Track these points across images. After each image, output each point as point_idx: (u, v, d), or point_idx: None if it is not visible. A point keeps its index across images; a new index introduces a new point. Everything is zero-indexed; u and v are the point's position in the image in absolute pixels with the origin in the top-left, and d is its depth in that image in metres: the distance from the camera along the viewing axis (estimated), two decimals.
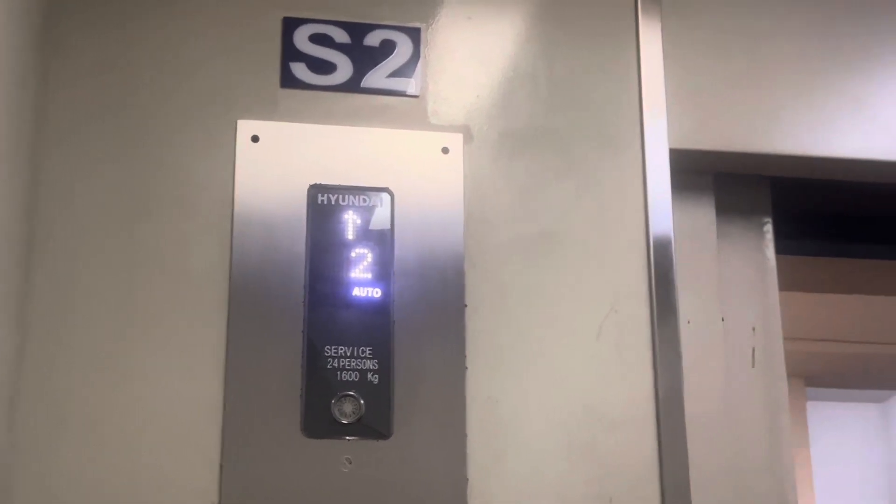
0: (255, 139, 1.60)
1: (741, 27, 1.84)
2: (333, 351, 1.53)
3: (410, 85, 1.68)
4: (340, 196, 1.59)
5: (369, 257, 1.58)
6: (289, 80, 1.65)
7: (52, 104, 1.57)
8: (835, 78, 1.85)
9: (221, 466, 1.47)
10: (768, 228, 1.92)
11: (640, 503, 1.56)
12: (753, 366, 1.85)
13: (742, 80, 1.81)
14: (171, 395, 1.49)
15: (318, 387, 1.51)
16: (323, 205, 1.59)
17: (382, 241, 1.58)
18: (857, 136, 1.82)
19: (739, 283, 1.88)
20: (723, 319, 1.84)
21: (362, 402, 1.51)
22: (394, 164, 1.62)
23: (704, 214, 1.88)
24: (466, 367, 1.56)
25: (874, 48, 1.87)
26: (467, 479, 1.52)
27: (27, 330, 1.48)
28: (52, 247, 1.52)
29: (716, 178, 1.88)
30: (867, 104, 1.84)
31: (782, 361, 1.87)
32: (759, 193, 1.92)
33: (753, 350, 1.86)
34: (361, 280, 1.57)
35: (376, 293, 1.56)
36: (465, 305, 1.59)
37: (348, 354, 1.53)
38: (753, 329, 1.87)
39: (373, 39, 1.69)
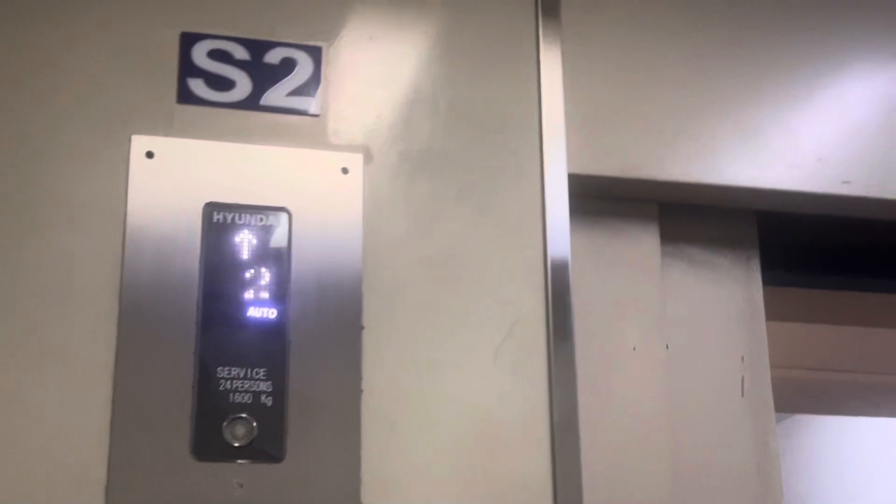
0: (149, 155, 1.57)
1: (640, 54, 1.88)
2: (226, 372, 1.50)
3: (311, 104, 1.67)
4: (237, 215, 1.57)
5: (265, 277, 1.55)
6: (186, 96, 1.62)
7: None
8: (727, 107, 1.89)
9: (107, 489, 1.43)
10: (755, 262, 1.99)
11: None
12: (743, 395, 1.91)
13: (638, 108, 1.85)
14: (56, 417, 1.45)
15: (210, 408, 1.49)
16: (218, 223, 1.56)
17: (279, 260, 1.57)
18: (748, 165, 1.87)
19: (726, 314, 1.95)
20: (667, 346, 1.88)
21: (255, 424, 1.49)
22: (292, 184, 1.61)
23: (649, 243, 1.92)
24: (362, 390, 1.55)
25: (766, 79, 1.92)
26: (361, 503, 1.50)
27: None
28: None
29: (662, 208, 1.93)
30: (758, 134, 1.89)
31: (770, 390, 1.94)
32: (742, 226, 2.00)
33: (743, 379, 1.92)
34: (257, 300, 1.54)
35: (272, 313, 1.54)
36: (363, 327, 1.58)
37: (242, 376, 1.51)
38: (742, 358, 1.93)
39: (273, 57, 1.67)
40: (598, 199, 1.88)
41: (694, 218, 1.96)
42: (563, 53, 1.80)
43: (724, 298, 1.95)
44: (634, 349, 1.84)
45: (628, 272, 1.88)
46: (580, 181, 1.76)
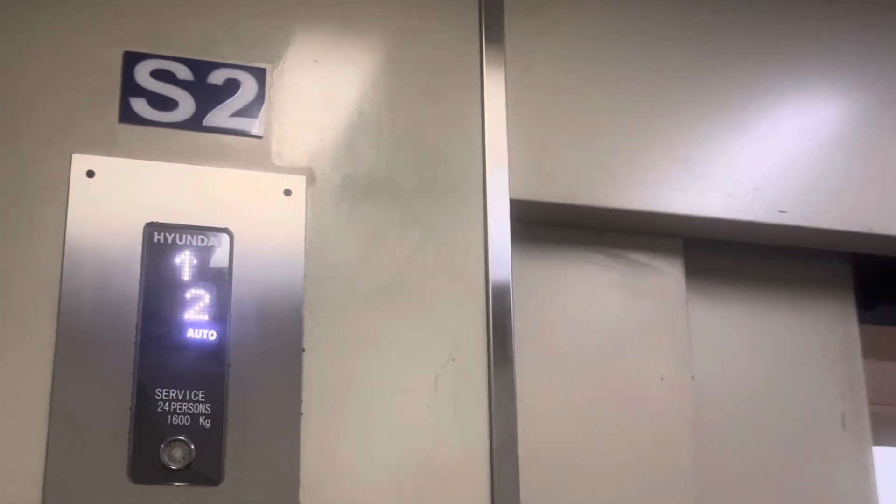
0: (90, 174, 1.56)
1: (582, 84, 1.91)
2: (165, 394, 1.49)
3: (254, 125, 1.67)
4: (178, 235, 1.56)
5: (206, 298, 1.54)
6: (128, 116, 1.61)
7: None
8: (666, 136, 1.92)
9: None
10: (851, 301, 2.12)
11: None
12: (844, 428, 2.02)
13: (581, 135, 1.87)
14: None
15: (148, 430, 1.47)
16: (159, 244, 1.55)
17: (220, 282, 1.56)
18: (689, 194, 1.90)
19: (825, 350, 2.07)
20: (692, 377, 1.92)
21: (193, 447, 1.48)
22: (234, 205, 1.60)
23: (675, 277, 1.97)
24: (302, 413, 1.54)
25: (705, 110, 1.96)
26: None
27: None
28: None
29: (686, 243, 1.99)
30: (696, 163, 1.92)
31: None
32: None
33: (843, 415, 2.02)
34: (196, 321, 1.53)
35: (212, 335, 1.53)
36: (303, 350, 1.57)
37: (180, 398, 1.49)
38: (842, 394, 2.05)
39: (217, 78, 1.67)
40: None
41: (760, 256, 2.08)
42: (506, 81, 1.82)
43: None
44: (662, 379, 1.91)
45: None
46: (522, 206, 1.77)
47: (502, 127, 1.79)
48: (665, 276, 1.97)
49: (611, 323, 1.93)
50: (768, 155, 1.97)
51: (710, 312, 2.05)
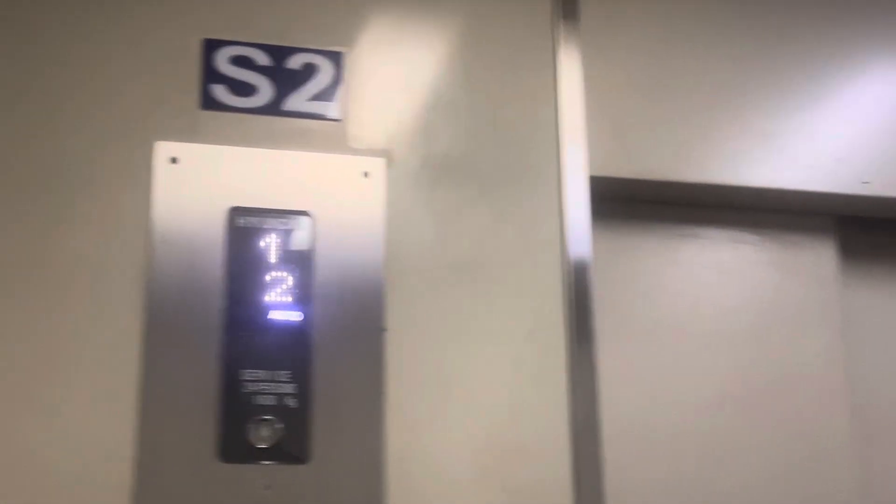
0: (173, 161, 1.58)
1: (658, 58, 1.89)
2: (251, 375, 1.51)
3: (332, 108, 1.68)
4: (260, 219, 1.58)
5: (289, 281, 1.56)
6: (209, 102, 1.64)
7: None
8: (746, 110, 1.90)
9: (134, 493, 1.44)
10: None
11: None
12: None
13: (658, 111, 1.86)
14: (83, 421, 1.46)
15: (235, 411, 1.50)
16: (242, 228, 1.57)
17: (302, 264, 1.58)
18: (766, 167, 1.88)
19: None
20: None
21: (280, 426, 1.50)
22: (315, 188, 1.62)
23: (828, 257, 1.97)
24: (385, 392, 1.56)
25: (784, 82, 1.93)
26: None
27: None
28: None
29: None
30: (775, 137, 1.90)
31: None
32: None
33: None
34: (280, 304, 1.55)
35: (295, 317, 1.55)
36: (385, 330, 1.59)
37: (266, 378, 1.52)
38: None
39: (294, 62, 1.68)
40: (623, 201, 1.90)
41: None
42: (582, 58, 1.81)
43: None
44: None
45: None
46: (601, 183, 1.76)
47: (578, 104, 1.78)
48: (754, 250, 1.95)
49: (696, 298, 1.92)
50: (849, 125, 1.94)
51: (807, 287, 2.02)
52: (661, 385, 1.86)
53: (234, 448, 1.49)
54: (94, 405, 1.47)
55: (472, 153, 1.73)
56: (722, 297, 1.93)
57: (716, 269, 1.94)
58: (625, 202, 1.89)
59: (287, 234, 1.59)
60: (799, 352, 1.94)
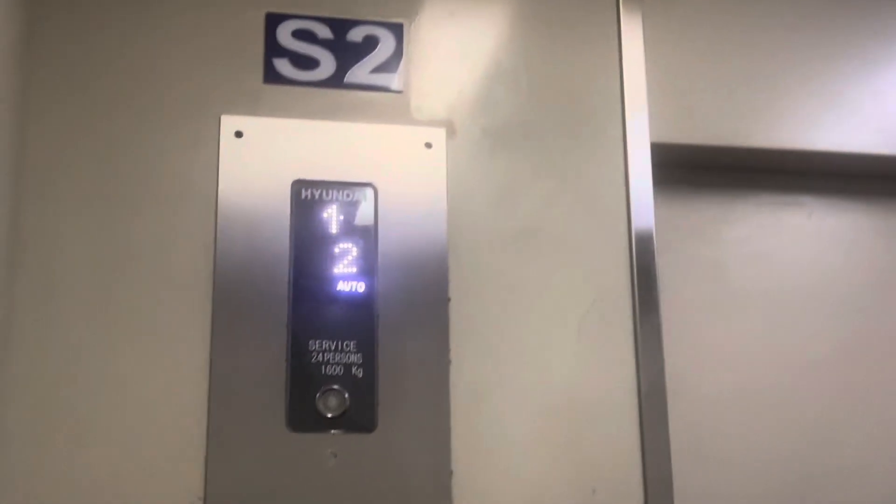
0: (238, 135, 1.60)
1: (723, 23, 1.86)
2: (318, 345, 1.53)
3: (394, 80, 1.69)
4: (324, 191, 1.60)
5: (353, 252, 1.58)
6: (272, 76, 1.65)
7: (35, 108, 1.57)
8: (815, 74, 1.87)
9: (207, 462, 1.47)
10: None
11: (623, 495, 1.58)
12: None
13: (723, 76, 1.83)
14: (156, 393, 1.49)
15: (303, 381, 1.52)
16: (306, 200, 1.59)
17: (366, 235, 1.59)
18: (837, 131, 1.84)
19: None
20: None
21: (347, 395, 1.52)
22: (377, 159, 1.63)
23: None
24: (450, 361, 1.57)
25: (853, 46, 1.90)
26: (452, 472, 1.52)
27: (11, 331, 1.48)
28: (36, 248, 1.52)
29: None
30: (846, 100, 1.86)
31: None
32: None
33: None
34: (345, 275, 1.57)
35: (360, 287, 1.57)
36: (449, 299, 1.59)
37: (333, 348, 1.53)
38: None
39: (356, 35, 1.69)
40: (686, 168, 1.88)
41: None
42: (644, 23, 1.79)
43: None
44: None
45: None
46: (663, 150, 1.75)
47: (641, 70, 1.77)
48: (821, 215, 1.93)
49: (761, 264, 1.90)
50: None
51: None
52: (726, 352, 1.85)
53: (303, 417, 1.51)
54: (166, 378, 1.50)
55: (534, 122, 1.72)
56: (786, 263, 1.91)
57: (779, 235, 1.92)
58: (688, 169, 1.88)
59: (351, 205, 1.60)
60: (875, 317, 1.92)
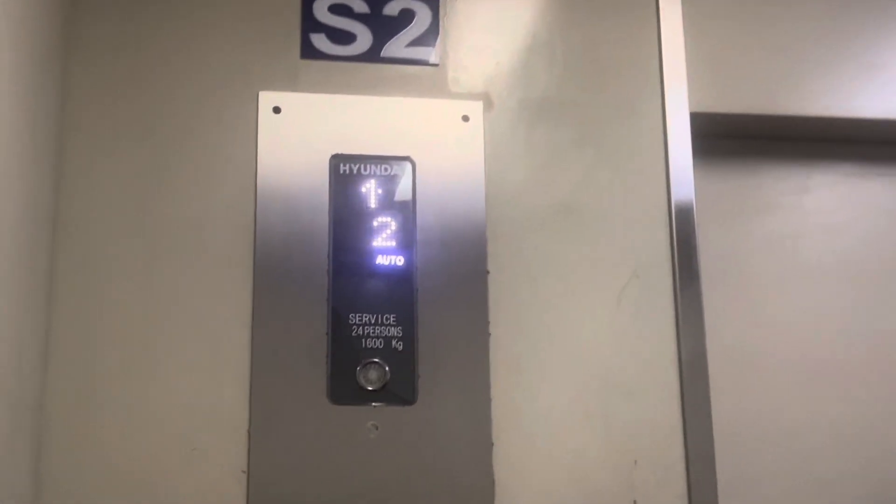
0: (276, 110, 1.61)
1: None
2: (358, 319, 1.54)
3: (430, 54, 1.68)
4: (362, 165, 1.60)
5: (392, 226, 1.58)
6: (309, 51, 1.65)
7: (74, 85, 1.58)
8: (852, 43, 1.84)
9: (249, 435, 1.49)
10: None
11: (665, 467, 1.58)
12: None
13: (762, 44, 1.81)
14: (198, 369, 1.51)
15: (344, 354, 1.53)
16: (345, 174, 1.59)
17: (405, 209, 1.59)
18: (873, 99, 1.82)
19: None
20: None
21: (387, 368, 1.53)
22: (415, 133, 1.63)
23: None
24: (490, 334, 1.57)
25: (889, 14, 1.86)
26: (492, 443, 1.53)
27: (54, 310, 1.50)
28: (76, 227, 1.54)
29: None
30: (882, 68, 1.84)
31: None
32: None
33: None
34: (385, 248, 1.58)
35: (399, 261, 1.57)
36: (488, 272, 1.60)
37: (373, 322, 1.54)
38: None
39: (391, 9, 1.69)
40: (726, 138, 1.86)
41: None
42: None
43: None
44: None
45: None
46: (702, 119, 1.73)
47: (679, 39, 1.75)
48: (865, 185, 1.91)
49: (803, 232, 1.88)
50: None
51: None
52: (767, 323, 1.84)
53: (344, 390, 1.52)
54: (209, 353, 1.52)
55: (572, 93, 1.71)
56: (830, 234, 1.89)
57: (819, 202, 1.90)
58: (728, 138, 1.86)
59: (389, 179, 1.60)
60: None
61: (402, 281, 1.57)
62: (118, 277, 1.52)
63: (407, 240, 1.58)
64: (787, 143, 1.89)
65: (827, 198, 1.91)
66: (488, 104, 1.68)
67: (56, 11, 1.52)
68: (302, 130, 1.61)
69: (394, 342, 1.54)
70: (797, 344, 1.83)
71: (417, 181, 1.61)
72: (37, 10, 1.41)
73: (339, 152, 1.60)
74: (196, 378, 1.50)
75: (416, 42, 1.68)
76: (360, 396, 1.52)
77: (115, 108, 1.59)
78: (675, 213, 1.67)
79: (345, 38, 1.67)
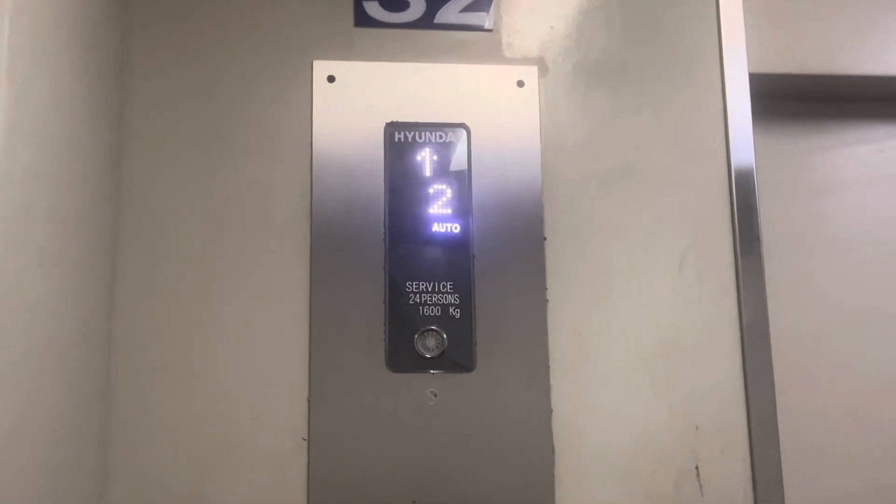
0: (331, 79, 1.61)
1: None
2: (415, 287, 1.54)
3: (484, 19, 1.67)
4: (417, 133, 1.60)
5: (448, 193, 1.58)
6: (362, 19, 1.65)
7: (131, 55, 1.60)
8: None
9: (310, 403, 1.50)
10: None
11: (726, 431, 1.56)
12: None
13: (820, 3, 1.78)
14: (259, 337, 1.52)
15: (402, 322, 1.53)
16: (400, 142, 1.59)
17: (460, 176, 1.59)
18: None
19: None
20: None
21: (445, 336, 1.53)
22: (469, 99, 1.62)
23: None
24: (547, 300, 1.56)
25: None
26: (552, 410, 1.53)
27: (116, 281, 1.52)
28: (138, 199, 1.55)
29: None
30: None
31: None
32: None
33: None
34: (440, 216, 1.57)
35: (455, 228, 1.57)
36: (545, 238, 1.59)
37: (430, 290, 1.54)
38: None
39: None
40: (786, 98, 1.82)
41: None
42: None
43: None
44: None
45: None
46: (762, 80, 1.71)
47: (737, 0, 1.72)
48: None
49: (866, 196, 1.85)
50: None
51: None
52: (831, 290, 1.81)
53: (403, 358, 1.53)
54: (269, 322, 1.53)
55: (628, 56, 1.69)
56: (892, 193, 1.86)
57: (882, 165, 1.86)
58: (788, 99, 1.83)
59: (444, 146, 1.60)
60: None
61: (458, 248, 1.57)
62: (180, 248, 1.54)
63: (463, 207, 1.58)
64: (848, 103, 1.85)
65: (892, 158, 1.87)
66: (543, 69, 1.66)
67: None
68: (356, 99, 1.61)
69: (451, 309, 1.54)
70: (859, 310, 1.81)
71: (472, 148, 1.60)
72: None
73: (394, 120, 1.60)
74: (257, 347, 1.52)
75: (470, 7, 1.67)
76: (419, 364, 1.52)
77: (173, 80, 1.60)
78: (735, 176, 1.65)
79: (398, 4, 1.66)
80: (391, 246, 1.56)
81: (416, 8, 1.66)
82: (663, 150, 1.66)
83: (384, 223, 1.56)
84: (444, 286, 1.55)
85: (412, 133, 1.60)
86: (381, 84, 1.62)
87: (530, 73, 1.65)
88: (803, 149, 1.86)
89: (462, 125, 1.61)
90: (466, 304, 1.54)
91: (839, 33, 1.76)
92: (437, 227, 1.57)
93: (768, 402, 1.57)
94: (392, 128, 1.60)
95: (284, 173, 1.58)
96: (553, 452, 1.52)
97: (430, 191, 1.58)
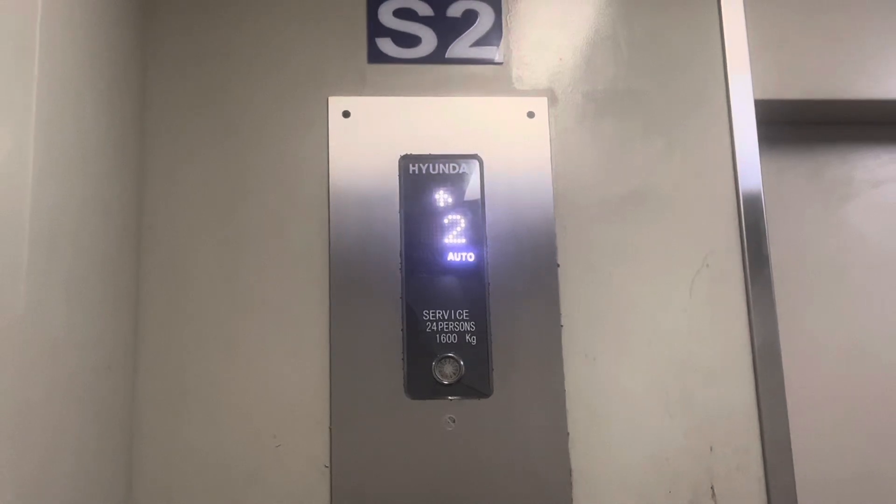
0: (346, 114, 1.65)
1: None
2: (432, 315, 1.57)
3: (494, 53, 1.71)
4: (431, 165, 1.63)
5: (462, 223, 1.61)
6: (375, 55, 1.69)
7: (152, 94, 1.64)
8: None
9: (331, 431, 1.53)
10: None
11: (740, 452, 1.58)
12: None
13: (824, 29, 1.80)
14: (280, 367, 1.55)
15: (419, 350, 1.56)
16: (414, 174, 1.63)
17: (474, 206, 1.62)
18: None
19: None
20: None
21: (462, 362, 1.56)
22: (481, 131, 1.66)
23: None
24: (562, 326, 1.59)
25: None
26: (568, 434, 1.55)
27: (141, 312, 1.56)
28: (159, 232, 1.59)
29: None
30: None
31: None
32: None
33: None
34: (455, 245, 1.60)
35: (470, 257, 1.60)
36: (558, 265, 1.62)
37: (446, 317, 1.57)
38: None
39: (455, 10, 1.72)
40: (791, 124, 1.85)
41: None
42: None
43: None
44: None
45: None
46: (767, 106, 1.73)
47: (741, 26, 1.75)
48: None
49: (874, 217, 1.87)
50: None
51: None
52: (840, 310, 1.83)
53: (421, 385, 1.55)
54: (290, 351, 1.56)
55: (636, 84, 1.73)
56: None
57: (891, 188, 1.88)
58: (792, 124, 1.86)
59: (457, 177, 1.63)
60: None
61: (473, 276, 1.59)
62: (201, 278, 1.57)
63: (477, 236, 1.61)
64: (852, 128, 1.88)
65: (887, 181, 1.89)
66: (553, 99, 1.70)
67: (133, 22, 1.57)
68: (371, 133, 1.64)
69: (467, 336, 1.57)
70: (869, 331, 1.82)
71: (485, 178, 1.63)
72: (114, 20, 1.47)
73: (408, 152, 1.64)
74: (278, 375, 1.55)
75: (480, 42, 1.71)
76: (437, 391, 1.55)
77: (192, 116, 1.64)
78: (743, 200, 1.67)
79: (410, 41, 1.70)
80: (408, 275, 1.59)
81: (428, 43, 1.70)
82: (672, 176, 1.69)
83: (400, 253, 1.59)
84: (460, 314, 1.58)
85: (426, 165, 1.63)
86: (395, 118, 1.65)
87: (540, 104, 1.68)
88: (809, 172, 1.88)
89: (475, 156, 1.64)
90: (482, 331, 1.57)
91: (842, 59, 1.79)
92: (452, 257, 1.60)
93: (781, 421, 1.59)
94: (406, 160, 1.63)
95: (303, 206, 1.61)
96: (571, 475, 1.54)
97: (445, 221, 1.61)
